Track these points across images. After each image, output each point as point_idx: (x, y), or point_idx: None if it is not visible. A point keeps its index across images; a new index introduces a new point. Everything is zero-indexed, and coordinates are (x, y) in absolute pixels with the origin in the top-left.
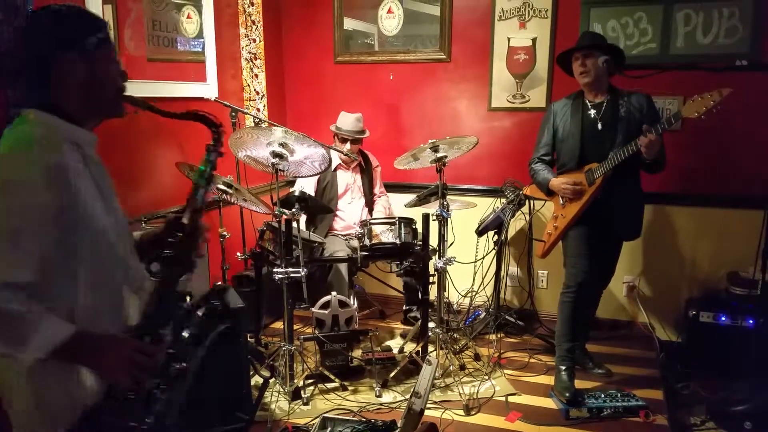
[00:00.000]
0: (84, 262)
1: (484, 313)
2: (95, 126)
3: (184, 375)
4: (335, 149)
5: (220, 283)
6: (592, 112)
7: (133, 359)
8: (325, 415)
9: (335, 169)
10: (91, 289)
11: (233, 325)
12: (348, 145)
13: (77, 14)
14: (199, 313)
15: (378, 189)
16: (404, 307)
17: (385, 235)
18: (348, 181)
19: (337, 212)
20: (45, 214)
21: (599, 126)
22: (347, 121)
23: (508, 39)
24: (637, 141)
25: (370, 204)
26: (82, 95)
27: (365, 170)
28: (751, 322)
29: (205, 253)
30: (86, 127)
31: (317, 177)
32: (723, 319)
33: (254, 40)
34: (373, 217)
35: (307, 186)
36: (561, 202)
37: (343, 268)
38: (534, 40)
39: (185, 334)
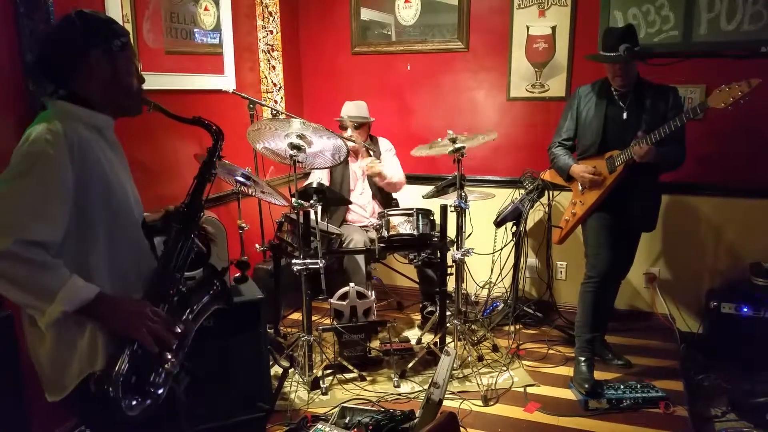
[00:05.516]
0: (102, 230)
1: (502, 305)
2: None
3: (183, 347)
4: (342, 138)
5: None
6: (618, 100)
7: (152, 317)
8: (344, 404)
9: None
10: (111, 257)
11: (227, 304)
12: (349, 131)
13: (107, 20)
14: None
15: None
16: (421, 304)
17: (403, 226)
18: (357, 171)
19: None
20: (67, 185)
21: (624, 115)
22: (347, 108)
23: (527, 27)
24: (663, 128)
25: (378, 196)
26: (105, 89)
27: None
28: None
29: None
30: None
31: (329, 169)
32: (745, 310)
33: (271, 32)
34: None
35: (322, 178)
36: (580, 188)
37: (359, 256)
38: (553, 28)
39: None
